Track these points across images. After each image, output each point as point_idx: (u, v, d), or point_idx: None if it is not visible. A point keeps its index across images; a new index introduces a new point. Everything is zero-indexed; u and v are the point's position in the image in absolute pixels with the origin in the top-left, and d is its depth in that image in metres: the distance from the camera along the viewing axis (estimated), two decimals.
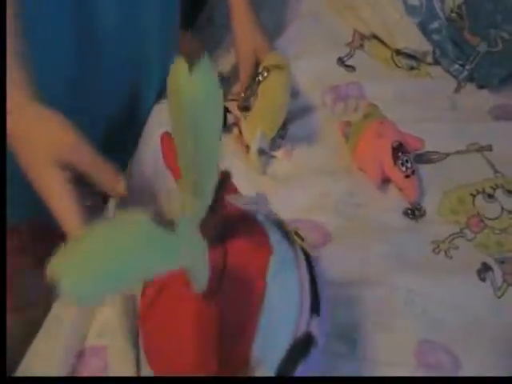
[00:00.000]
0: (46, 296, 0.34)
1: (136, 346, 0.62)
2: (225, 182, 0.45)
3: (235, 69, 0.94)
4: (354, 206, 0.79)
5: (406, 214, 0.80)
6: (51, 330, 0.67)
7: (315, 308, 0.51)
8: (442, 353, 0.65)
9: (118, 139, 0.84)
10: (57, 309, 0.68)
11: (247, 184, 0.78)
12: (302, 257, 0.52)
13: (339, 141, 0.88)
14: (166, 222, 0.36)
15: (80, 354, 0.65)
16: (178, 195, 0.44)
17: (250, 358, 0.47)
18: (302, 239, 0.55)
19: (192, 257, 0.40)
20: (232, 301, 0.47)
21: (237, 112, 0.89)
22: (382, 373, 0.64)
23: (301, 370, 0.49)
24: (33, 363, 0.65)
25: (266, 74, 0.86)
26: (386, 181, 0.82)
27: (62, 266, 0.32)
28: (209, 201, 0.45)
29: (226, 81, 0.94)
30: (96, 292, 0.33)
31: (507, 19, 1.02)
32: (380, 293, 0.69)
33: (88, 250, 0.33)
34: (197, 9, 1.10)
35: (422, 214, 0.80)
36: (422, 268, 0.72)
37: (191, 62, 0.39)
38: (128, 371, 0.61)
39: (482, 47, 1.02)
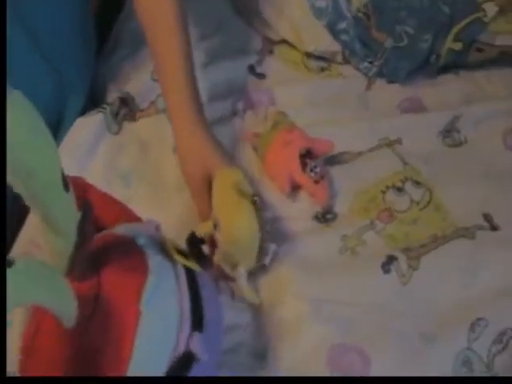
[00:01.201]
0: None
1: None
2: (85, 216, 0.45)
3: None
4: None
5: (316, 218, 0.81)
6: None
7: (197, 325, 0.51)
8: (354, 354, 0.67)
9: None
10: None
11: None
12: (183, 276, 0.52)
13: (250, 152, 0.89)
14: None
15: None
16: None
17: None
18: (187, 257, 0.56)
19: (44, 291, 0.40)
20: (106, 327, 0.47)
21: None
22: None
23: None
24: None
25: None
26: (296, 188, 0.83)
27: None
28: (72, 238, 0.45)
29: (132, 101, 0.94)
30: None
31: (411, 14, 1.04)
32: (286, 305, 0.71)
33: None
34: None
35: (334, 217, 0.81)
36: (328, 272, 0.73)
37: None
38: None
39: (389, 43, 1.04)
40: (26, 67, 0.77)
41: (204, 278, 0.56)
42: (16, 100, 0.40)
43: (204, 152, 0.76)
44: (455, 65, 1.06)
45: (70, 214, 0.45)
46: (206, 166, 0.75)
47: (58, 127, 0.90)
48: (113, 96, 0.97)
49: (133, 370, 0.48)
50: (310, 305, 0.70)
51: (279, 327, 0.71)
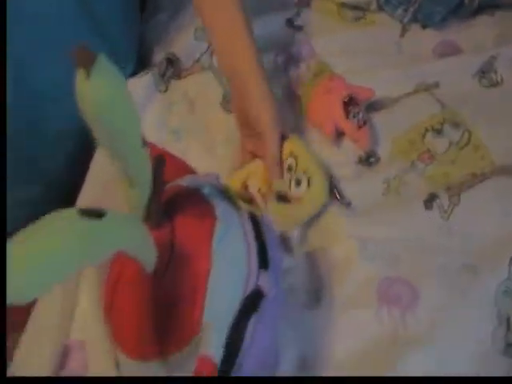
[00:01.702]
0: None
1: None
2: (159, 167, 0.51)
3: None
4: None
5: (359, 161, 0.85)
6: (35, 329, 0.72)
7: (263, 263, 0.57)
8: (401, 285, 0.72)
9: None
10: (36, 311, 0.74)
11: None
12: (247, 219, 0.58)
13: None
14: (93, 213, 0.41)
15: (65, 351, 0.71)
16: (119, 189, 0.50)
17: (201, 322, 0.53)
18: (250, 201, 0.61)
19: (130, 240, 0.45)
20: (182, 272, 0.53)
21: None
22: (347, 317, 0.70)
23: (255, 322, 0.55)
24: (22, 363, 0.71)
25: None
26: (340, 134, 0.87)
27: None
28: (146, 190, 0.50)
29: (177, 60, 0.99)
30: (33, 289, 0.38)
31: None
32: (335, 247, 0.76)
33: (20, 251, 0.38)
34: None
35: (377, 160, 0.85)
36: (373, 213, 0.78)
37: (88, 68, 0.42)
38: (107, 364, 0.65)
39: None
40: (80, 38, 0.82)
41: (265, 221, 0.61)
42: (103, 66, 0.43)
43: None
44: (490, 5, 1.07)
45: (145, 168, 0.50)
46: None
47: None
48: (159, 57, 1.01)
49: (208, 308, 0.53)
50: (357, 244, 0.75)
51: (330, 267, 0.75)
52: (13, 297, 0.37)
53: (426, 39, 1.03)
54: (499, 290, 0.73)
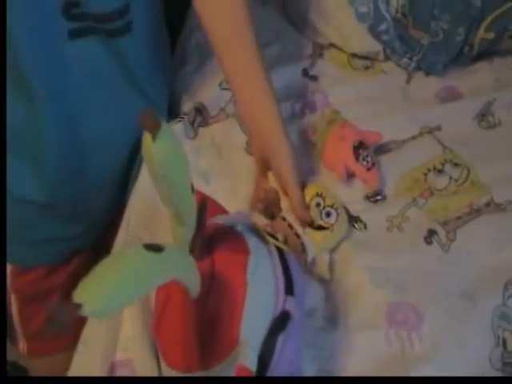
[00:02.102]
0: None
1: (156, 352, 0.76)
2: (203, 210, 0.61)
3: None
4: None
5: (367, 198, 0.95)
6: (84, 348, 0.82)
7: (289, 290, 0.67)
8: (407, 309, 0.81)
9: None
10: (86, 330, 0.83)
11: None
12: (275, 253, 0.69)
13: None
14: (155, 248, 0.52)
15: (111, 368, 0.80)
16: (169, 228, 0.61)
17: (239, 338, 0.63)
18: (276, 238, 0.72)
19: (182, 270, 0.56)
20: (221, 297, 0.64)
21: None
22: (360, 337, 0.80)
23: (283, 340, 0.65)
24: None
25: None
26: (351, 176, 0.97)
27: (83, 293, 0.47)
28: (192, 228, 0.61)
29: (204, 109, 1.10)
30: (111, 307, 0.47)
31: (444, 11, 1.15)
32: (349, 276, 0.86)
33: (101, 278, 0.48)
34: None
35: (384, 198, 0.96)
36: (380, 247, 0.89)
37: (154, 133, 0.53)
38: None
39: (426, 39, 1.16)
40: (122, 97, 0.93)
41: (290, 255, 0.72)
42: (167, 130, 0.54)
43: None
44: (489, 53, 1.18)
45: (192, 210, 0.61)
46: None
47: None
48: (187, 106, 1.12)
49: (244, 327, 0.63)
50: (368, 273, 0.85)
51: (345, 294, 0.85)
52: (92, 311, 0.46)
53: (429, 85, 1.14)
54: (495, 315, 0.82)
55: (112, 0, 0.83)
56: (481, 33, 1.16)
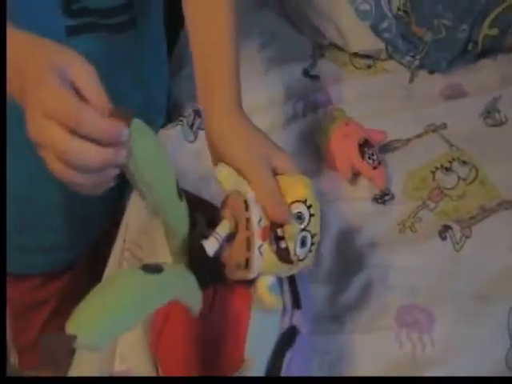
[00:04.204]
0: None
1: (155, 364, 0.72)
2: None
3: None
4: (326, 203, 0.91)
5: (375, 199, 0.92)
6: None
7: (296, 304, 0.64)
8: (419, 312, 0.78)
9: None
10: None
11: None
12: None
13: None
14: (154, 269, 0.48)
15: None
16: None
17: (244, 357, 0.59)
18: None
19: (183, 290, 0.52)
20: (225, 314, 0.60)
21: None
22: (370, 339, 0.77)
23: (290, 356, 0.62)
24: None
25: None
26: (356, 175, 0.95)
27: (76, 324, 0.43)
28: (185, 239, 0.57)
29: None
30: (107, 338, 0.43)
31: (447, 8, 1.13)
32: (359, 274, 0.83)
33: (95, 307, 0.44)
34: None
35: (391, 198, 0.93)
36: (392, 247, 0.85)
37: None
38: None
39: (429, 37, 1.14)
40: (123, 95, 0.91)
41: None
42: (140, 127, 0.49)
43: (258, 135, 0.69)
44: (493, 49, 1.15)
45: (183, 220, 0.56)
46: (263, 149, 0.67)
47: None
48: (186, 108, 1.10)
49: (249, 347, 0.60)
50: (377, 274, 0.82)
51: (353, 294, 0.82)
52: (85, 345, 0.42)
53: (433, 83, 1.12)
54: (511, 313, 0.79)
55: None
56: (485, 29, 1.14)
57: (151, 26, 0.90)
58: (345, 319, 0.79)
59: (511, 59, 1.16)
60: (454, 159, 0.97)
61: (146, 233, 0.89)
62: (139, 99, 0.93)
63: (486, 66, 1.16)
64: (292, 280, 0.66)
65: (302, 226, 0.60)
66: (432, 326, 0.78)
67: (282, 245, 0.59)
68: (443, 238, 0.86)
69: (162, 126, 1.07)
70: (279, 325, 0.63)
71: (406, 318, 0.78)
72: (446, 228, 0.87)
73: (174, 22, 1.22)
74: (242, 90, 0.73)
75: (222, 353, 0.61)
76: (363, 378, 0.73)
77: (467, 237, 0.86)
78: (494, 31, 1.14)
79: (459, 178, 0.95)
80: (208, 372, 0.60)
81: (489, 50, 1.16)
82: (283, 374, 0.62)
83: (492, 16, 1.13)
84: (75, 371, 0.79)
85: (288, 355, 0.63)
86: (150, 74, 0.94)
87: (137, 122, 0.48)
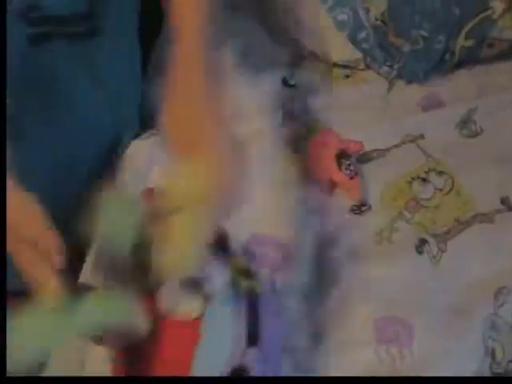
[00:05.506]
0: None
1: None
2: None
3: None
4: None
5: (352, 210, 0.92)
6: None
7: (253, 340, 0.62)
8: (398, 325, 0.78)
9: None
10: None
11: None
12: (244, 299, 0.63)
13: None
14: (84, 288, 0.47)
15: None
16: None
17: None
18: (252, 277, 0.66)
19: (119, 313, 0.52)
20: (174, 344, 0.59)
21: None
22: (348, 353, 0.76)
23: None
24: None
25: None
26: (333, 185, 0.95)
27: None
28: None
29: None
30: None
31: (424, 19, 1.13)
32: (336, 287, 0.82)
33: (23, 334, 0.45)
34: None
35: (368, 208, 0.93)
36: (369, 259, 0.86)
37: None
38: None
39: (406, 47, 1.14)
40: (91, 107, 0.90)
41: (264, 297, 0.66)
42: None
43: None
44: (469, 61, 1.16)
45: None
46: None
47: (115, 150, 1.03)
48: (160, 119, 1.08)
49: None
50: (356, 286, 0.82)
51: (330, 309, 0.81)
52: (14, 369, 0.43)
53: (410, 94, 1.12)
54: (486, 325, 0.80)
55: (72, 3, 0.80)
56: (461, 41, 1.14)
57: (121, 34, 0.89)
58: (321, 333, 0.78)
59: (488, 70, 1.17)
60: (430, 170, 0.97)
61: None
62: (107, 113, 0.92)
63: (463, 76, 1.16)
64: (252, 314, 0.64)
65: None
66: (411, 339, 0.77)
67: None
68: (420, 252, 0.87)
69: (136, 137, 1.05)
70: (226, 362, 0.61)
71: (386, 331, 0.78)
72: (423, 242, 0.88)
73: (150, 32, 1.22)
74: (220, 99, 0.73)
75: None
76: (356, 378, 0.73)
77: (443, 251, 0.86)
78: (470, 42, 1.14)
79: (435, 188, 0.95)
80: None
81: (465, 61, 1.16)
82: None
83: (467, 28, 1.13)
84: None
85: None
86: (120, 85, 0.93)
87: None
